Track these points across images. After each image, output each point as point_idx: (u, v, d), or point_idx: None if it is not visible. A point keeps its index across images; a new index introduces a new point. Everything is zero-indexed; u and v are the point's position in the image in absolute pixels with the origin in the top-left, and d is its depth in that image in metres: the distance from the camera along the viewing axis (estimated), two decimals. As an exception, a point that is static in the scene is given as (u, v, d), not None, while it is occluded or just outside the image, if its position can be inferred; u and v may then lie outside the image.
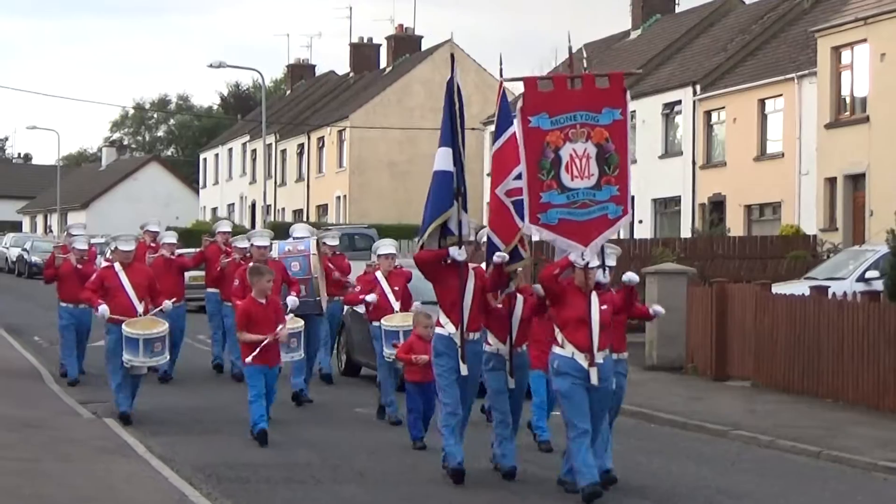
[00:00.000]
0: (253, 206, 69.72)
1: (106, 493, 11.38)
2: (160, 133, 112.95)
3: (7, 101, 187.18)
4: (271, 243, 18.11)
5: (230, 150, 76.86)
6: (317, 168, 66.07)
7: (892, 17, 31.63)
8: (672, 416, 16.88)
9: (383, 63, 70.90)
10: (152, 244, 20.29)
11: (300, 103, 74.23)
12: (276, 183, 66.20)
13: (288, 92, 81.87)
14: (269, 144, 62.24)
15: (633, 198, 11.70)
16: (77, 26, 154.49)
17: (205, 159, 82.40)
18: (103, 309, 15.51)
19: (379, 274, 16.34)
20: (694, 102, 42.10)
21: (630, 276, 11.65)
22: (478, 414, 14.10)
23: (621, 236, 32.57)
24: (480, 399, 13.36)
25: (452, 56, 12.67)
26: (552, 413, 13.77)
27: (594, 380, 11.18)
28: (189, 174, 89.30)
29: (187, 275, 20.53)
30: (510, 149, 11.86)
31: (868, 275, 23.06)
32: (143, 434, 14.48)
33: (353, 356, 20.44)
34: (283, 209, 67.34)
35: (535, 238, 12.03)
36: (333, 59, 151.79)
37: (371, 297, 16.09)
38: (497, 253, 11.84)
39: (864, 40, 32.76)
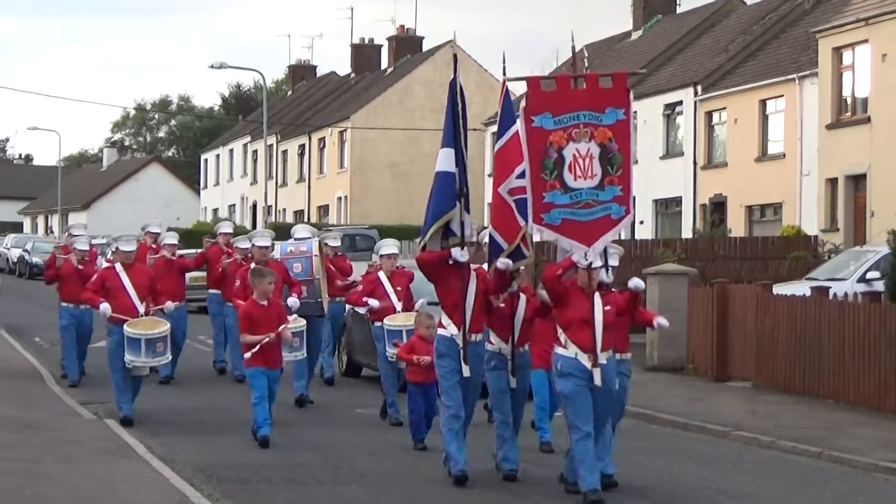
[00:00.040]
0: (254, 206, 69.70)
1: (107, 494, 11.37)
2: (161, 134, 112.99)
3: (8, 101, 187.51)
4: (273, 244, 18.11)
5: (231, 150, 76.87)
6: (318, 169, 66.07)
7: (893, 18, 31.60)
8: (673, 417, 16.86)
9: (384, 64, 70.90)
10: (153, 245, 20.30)
11: (301, 104, 74.24)
12: (277, 184, 66.14)
13: (289, 93, 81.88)
14: (271, 145, 62.23)
15: (634, 198, 11.68)
16: (77, 26, 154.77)
17: (206, 160, 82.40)
18: (104, 307, 15.49)
19: (381, 274, 16.33)
20: (695, 103, 42.09)
21: (636, 283, 11.66)
22: (479, 415, 14.07)
23: (622, 237, 32.52)
24: (483, 399, 13.35)
25: (455, 57, 12.64)
26: (555, 414, 13.78)
27: (597, 380, 11.17)
28: (190, 175, 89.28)
29: (188, 276, 20.53)
30: (513, 147, 11.83)
31: (869, 275, 23.04)
32: (144, 435, 14.48)
33: (353, 357, 20.43)
34: (284, 210, 67.28)
35: (538, 238, 12.01)
36: (334, 60, 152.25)
37: (375, 303, 16.07)
38: (500, 260, 11.80)
39: (866, 41, 32.74)
